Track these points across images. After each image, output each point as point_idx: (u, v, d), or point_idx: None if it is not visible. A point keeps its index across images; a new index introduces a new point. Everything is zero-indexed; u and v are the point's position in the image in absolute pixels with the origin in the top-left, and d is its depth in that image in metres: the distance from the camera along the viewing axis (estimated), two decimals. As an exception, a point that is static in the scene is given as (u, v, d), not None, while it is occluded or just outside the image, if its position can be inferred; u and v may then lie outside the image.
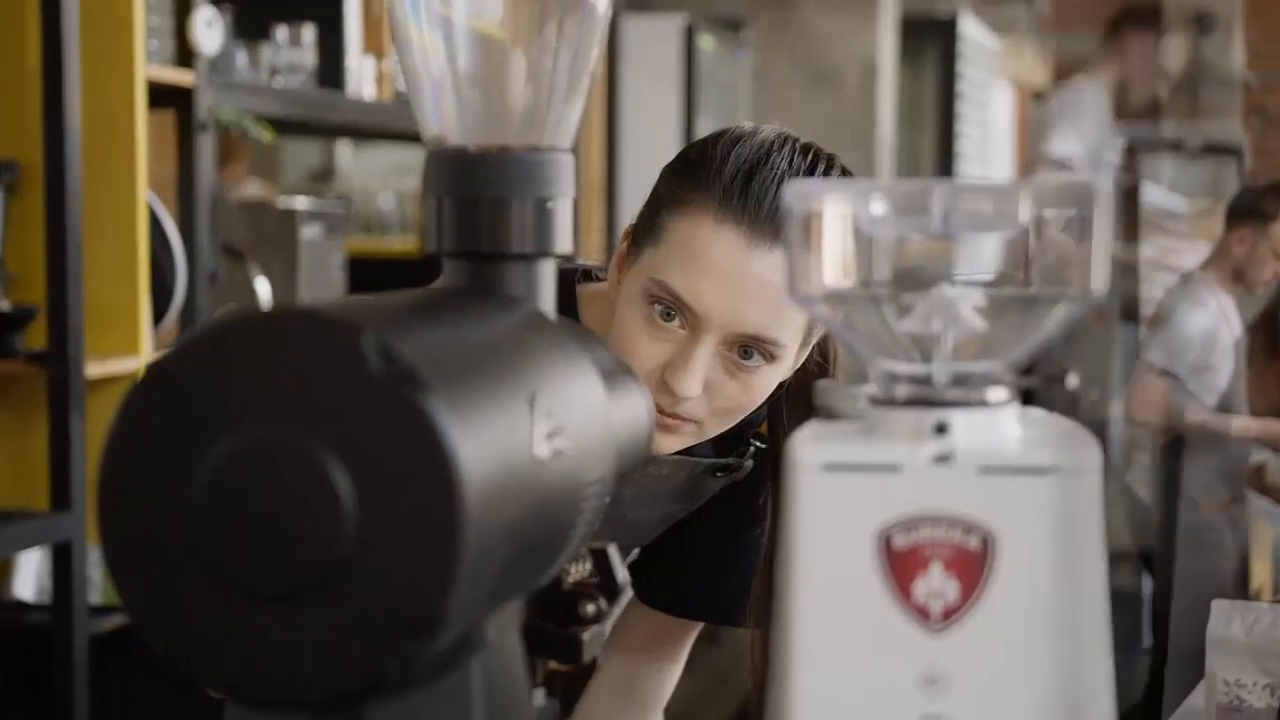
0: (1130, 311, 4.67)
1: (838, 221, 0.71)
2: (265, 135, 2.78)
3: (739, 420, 1.33)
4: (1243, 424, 4.22)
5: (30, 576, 2.71)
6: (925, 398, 0.71)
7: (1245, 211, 4.25)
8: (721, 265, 1.23)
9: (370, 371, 0.62)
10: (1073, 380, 0.79)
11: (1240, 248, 4.17)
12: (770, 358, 1.26)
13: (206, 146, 2.70)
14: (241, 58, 2.96)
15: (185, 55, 2.69)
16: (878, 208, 0.71)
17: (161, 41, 2.67)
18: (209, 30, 2.66)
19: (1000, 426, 0.70)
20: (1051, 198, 0.70)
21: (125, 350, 2.53)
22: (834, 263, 0.72)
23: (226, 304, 2.88)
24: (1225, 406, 4.16)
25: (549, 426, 0.71)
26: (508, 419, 0.67)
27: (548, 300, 0.81)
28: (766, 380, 1.28)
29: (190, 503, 0.63)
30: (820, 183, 0.74)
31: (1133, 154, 4.57)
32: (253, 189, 4.10)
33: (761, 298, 1.24)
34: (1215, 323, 4.12)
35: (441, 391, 0.62)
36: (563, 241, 0.81)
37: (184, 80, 2.68)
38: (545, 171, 0.80)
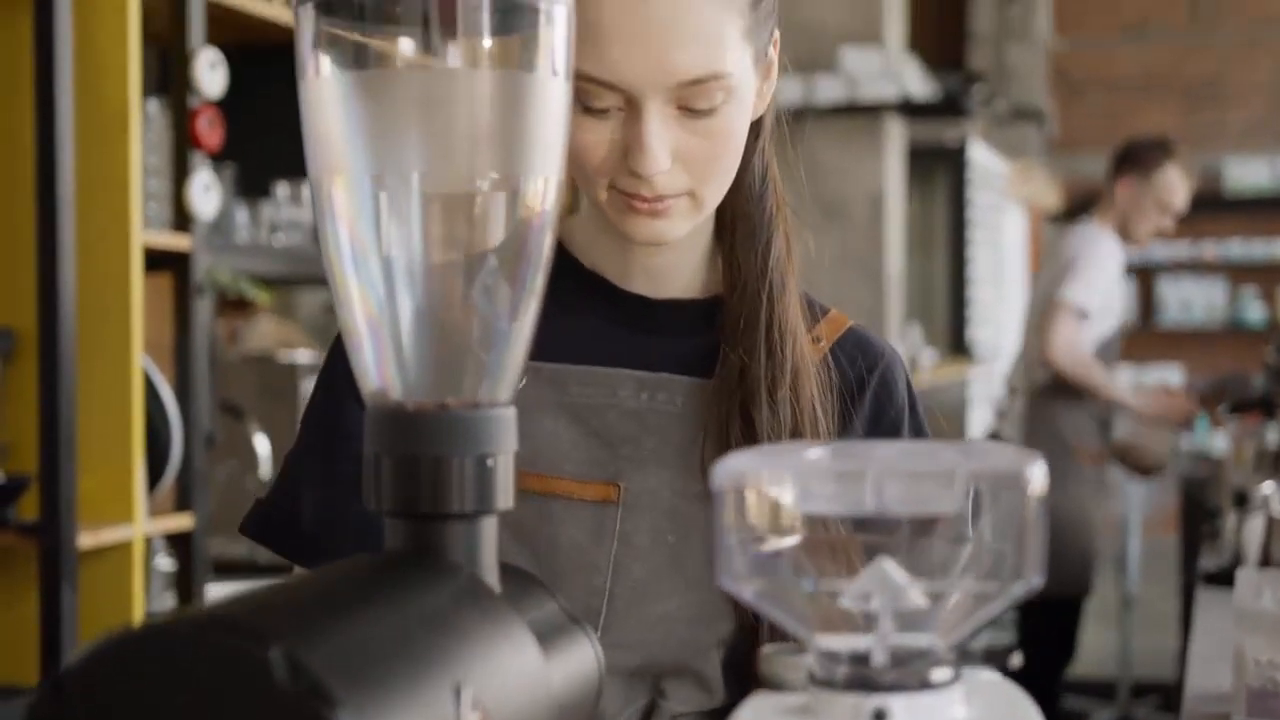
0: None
1: (769, 499, 0.70)
2: (261, 297, 2.79)
3: (731, 174, 1.19)
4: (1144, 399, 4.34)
5: (21, 748, 2.67)
6: (864, 680, 0.69)
7: (1128, 160, 4.31)
8: (620, 24, 1.11)
9: (278, 688, 0.60)
10: (1016, 659, 0.77)
11: (1125, 195, 4.25)
12: (726, 93, 1.14)
13: (204, 309, 2.71)
14: (242, 215, 2.98)
15: (183, 218, 2.71)
16: (812, 486, 0.69)
17: (160, 205, 2.68)
18: (206, 194, 2.68)
19: (944, 710, 0.68)
20: (986, 482, 0.68)
21: (119, 519, 2.52)
22: (767, 540, 0.70)
23: (225, 463, 2.87)
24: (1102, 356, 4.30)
25: (476, 717, 0.69)
26: (429, 717, 0.65)
27: (488, 558, 0.79)
28: (733, 120, 1.16)
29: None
30: (752, 459, 0.72)
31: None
32: (267, 326, 4.10)
33: (679, 36, 1.11)
34: (1116, 269, 4.27)
35: (354, 703, 0.60)
36: (504, 498, 0.79)
37: (181, 245, 2.69)
38: (485, 429, 0.78)
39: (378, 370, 0.79)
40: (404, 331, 0.79)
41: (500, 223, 0.79)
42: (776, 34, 1.24)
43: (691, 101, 1.14)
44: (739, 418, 1.22)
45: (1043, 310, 4.26)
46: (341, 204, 0.78)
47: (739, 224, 1.27)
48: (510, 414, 0.80)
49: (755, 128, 1.26)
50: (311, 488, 1.26)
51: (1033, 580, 0.68)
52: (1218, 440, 6.07)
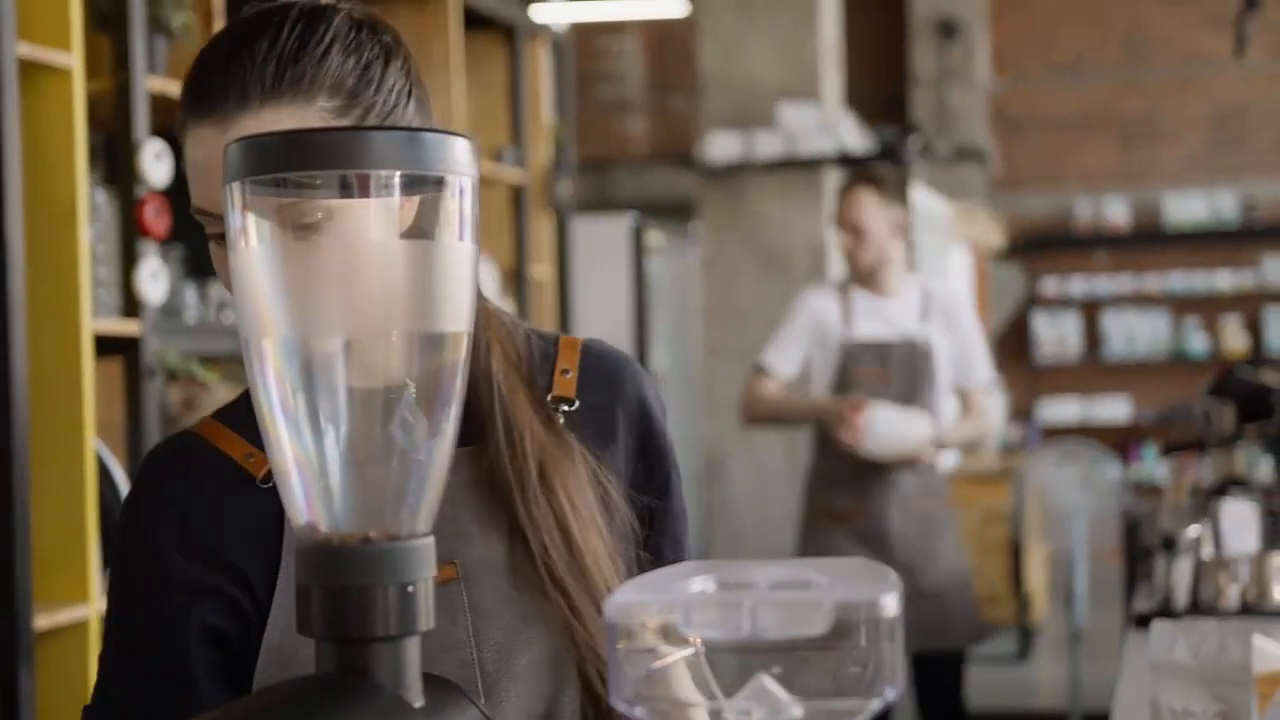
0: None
1: (657, 628, 0.78)
2: (210, 378, 2.86)
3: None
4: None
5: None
6: (745, 786, 0.77)
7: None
8: (207, 159, 1.20)
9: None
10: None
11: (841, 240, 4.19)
12: (327, 212, 1.10)
13: (154, 392, 2.78)
14: (191, 295, 3.05)
15: (132, 304, 2.78)
16: (694, 615, 0.78)
17: (109, 292, 2.76)
18: (154, 280, 2.76)
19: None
20: (847, 610, 0.77)
21: (75, 599, 2.58)
22: (655, 664, 0.79)
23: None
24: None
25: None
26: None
27: (412, 675, 0.87)
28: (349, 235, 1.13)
29: None
30: (641, 593, 0.81)
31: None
32: (221, 395, 4.15)
33: None
34: (811, 323, 4.19)
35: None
36: (425, 620, 0.87)
37: (130, 330, 2.77)
38: (406, 559, 0.87)
39: (306, 506, 0.88)
40: (329, 473, 0.87)
41: (416, 374, 0.88)
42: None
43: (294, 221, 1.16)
44: (507, 518, 1.30)
45: None
46: (270, 360, 0.87)
47: None
48: (429, 543, 0.88)
49: None
50: (134, 694, 1.27)
51: (888, 694, 0.77)
52: (1160, 470, 6.18)
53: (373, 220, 0.89)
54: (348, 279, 0.87)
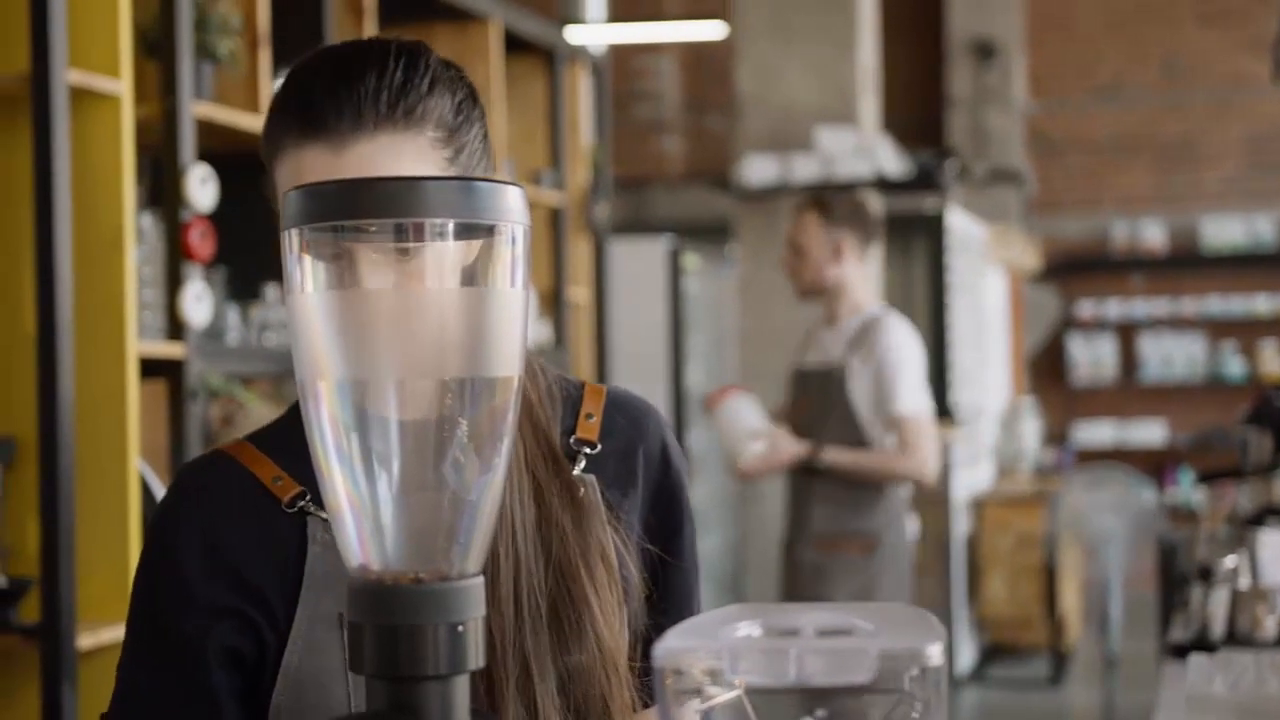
0: None
1: (704, 673, 0.80)
2: (250, 399, 2.89)
3: None
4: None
5: None
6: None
7: None
8: (316, 179, 1.19)
9: None
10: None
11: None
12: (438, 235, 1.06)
13: (196, 414, 2.81)
14: (234, 316, 3.09)
15: (176, 327, 2.81)
16: (741, 662, 0.79)
17: (154, 315, 2.79)
18: (199, 304, 2.79)
19: None
20: (892, 659, 0.78)
21: (118, 619, 2.60)
22: (704, 711, 0.80)
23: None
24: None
25: None
26: None
27: (461, 712, 0.89)
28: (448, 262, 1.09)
29: None
30: (688, 638, 0.82)
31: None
32: (260, 412, 4.19)
33: None
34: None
35: None
36: (475, 659, 0.89)
37: (175, 353, 2.80)
38: (456, 599, 0.88)
39: (359, 546, 0.89)
40: (382, 513, 0.89)
41: (467, 415, 0.90)
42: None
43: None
44: None
45: None
46: (325, 402, 0.89)
47: None
48: (478, 583, 0.90)
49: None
50: (154, 709, 1.27)
51: (933, 743, 0.78)
52: (1196, 495, 6.16)
53: (427, 267, 0.90)
54: (401, 325, 0.89)
